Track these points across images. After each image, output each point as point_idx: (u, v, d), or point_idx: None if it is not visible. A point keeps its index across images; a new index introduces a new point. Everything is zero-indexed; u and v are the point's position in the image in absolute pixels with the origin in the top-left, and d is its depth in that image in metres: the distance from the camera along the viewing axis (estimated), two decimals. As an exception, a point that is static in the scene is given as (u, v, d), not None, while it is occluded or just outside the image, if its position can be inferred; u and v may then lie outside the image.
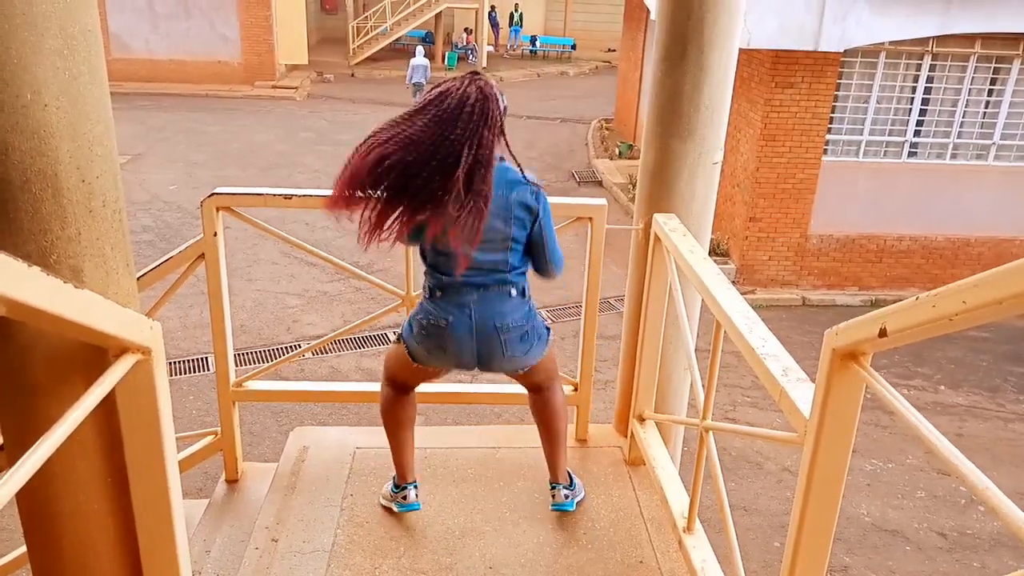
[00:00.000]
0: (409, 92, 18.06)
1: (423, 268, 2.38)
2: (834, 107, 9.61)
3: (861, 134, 9.82)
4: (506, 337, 2.33)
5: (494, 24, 27.91)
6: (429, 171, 2.05)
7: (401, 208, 2.11)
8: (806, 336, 8.75)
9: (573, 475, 2.79)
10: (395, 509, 2.69)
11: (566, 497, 2.68)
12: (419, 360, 2.43)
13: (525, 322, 2.37)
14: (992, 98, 9.79)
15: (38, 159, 1.39)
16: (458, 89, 2.10)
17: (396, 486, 2.69)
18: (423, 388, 3.25)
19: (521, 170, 2.27)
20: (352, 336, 8.04)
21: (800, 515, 1.62)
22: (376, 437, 3.17)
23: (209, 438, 3.15)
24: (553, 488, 2.69)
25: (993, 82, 9.72)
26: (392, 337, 8.15)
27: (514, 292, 2.33)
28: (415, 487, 2.68)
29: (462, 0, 24.83)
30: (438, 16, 24.93)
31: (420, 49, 18.53)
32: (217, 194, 2.81)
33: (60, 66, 1.39)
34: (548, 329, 2.51)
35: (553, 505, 2.70)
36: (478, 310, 2.30)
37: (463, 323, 2.30)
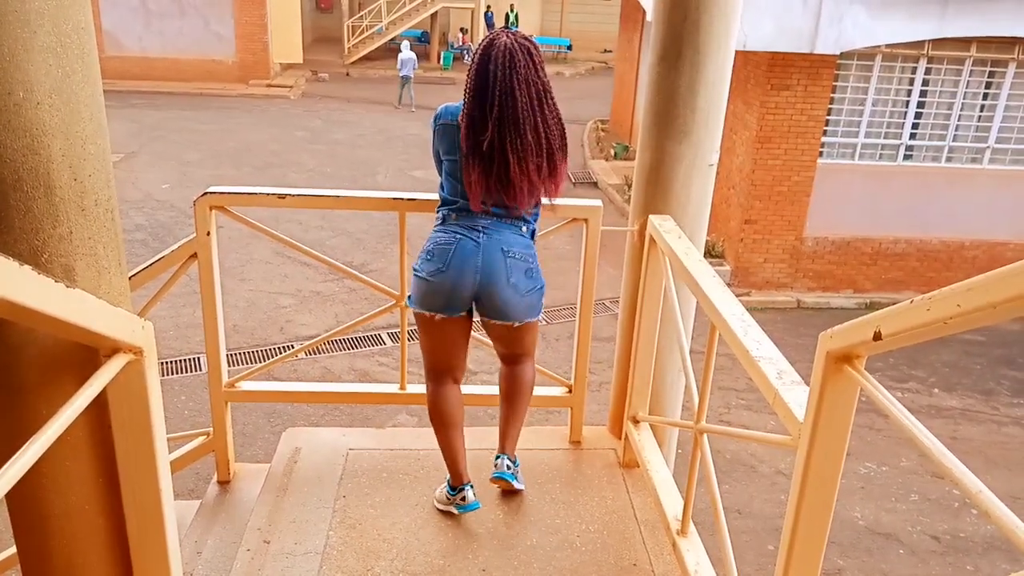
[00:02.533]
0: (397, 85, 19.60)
1: (442, 195, 2.48)
2: (830, 109, 9.64)
3: (857, 136, 9.85)
4: (511, 262, 2.39)
5: (490, 24, 27.88)
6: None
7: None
8: (801, 339, 8.76)
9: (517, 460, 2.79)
10: (455, 511, 2.67)
11: (508, 468, 2.66)
12: (420, 301, 2.45)
13: (531, 260, 2.44)
14: (987, 102, 9.83)
15: (30, 157, 1.38)
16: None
17: (452, 488, 2.65)
18: (417, 389, 3.26)
19: None
20: (345, 337, 8.03)
21: (794, 518, 1.62)
22: (369, 438, 3.17)
23: (201, 439, 3.14)
24: (498, 458, 2.68)
25: (988, 86, 9.76)
26: (386, 339, 8.18)
27: (525, 230, 2.45)
28: (471, 487, 2.62)
29: (458, 0, 24.82)
30: (434, 16, 24.94)
31: (406, 44, 20.10)
32: (210, 193, 2.80)
33: (53, 64, 1.38)
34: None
35: (495, 473, 2.66)
36: (487, 234, 2.38)
37: (471, 242, 2.37)
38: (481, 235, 2.38)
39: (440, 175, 2.53)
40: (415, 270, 2.47)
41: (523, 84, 2.25)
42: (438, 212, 2.49)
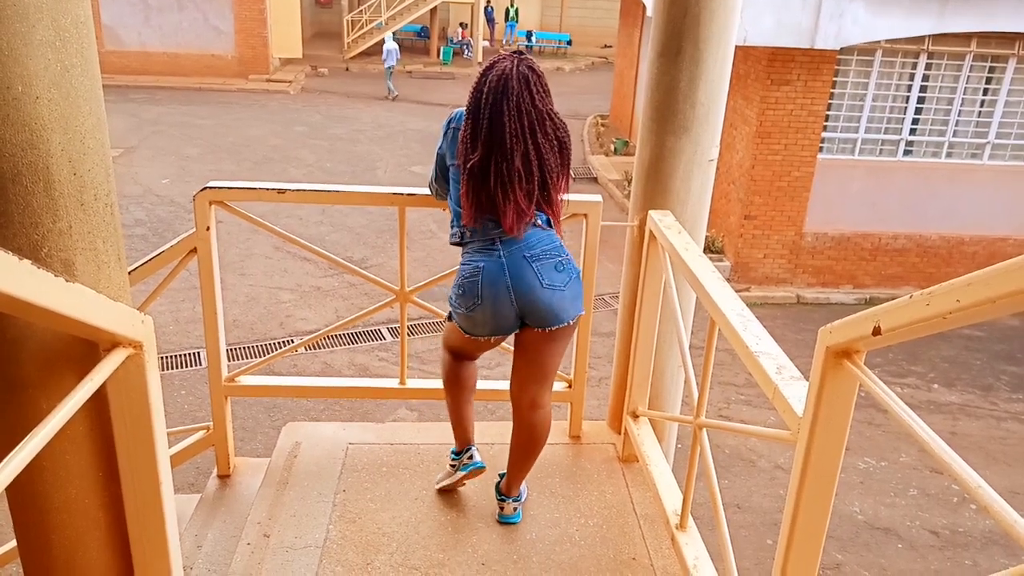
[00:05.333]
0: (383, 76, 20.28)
1: (455, 217, 2.46)
2: (830, 105, 9.63)
3: (857, 132, 9.84)
4: (539, 265, 2.34)
5: (490, 19, 27.88)
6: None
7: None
8: (800, 334, 8.77)
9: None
10: (461, 472, 2.69)
11: (514, 510, 2.69)
12: (467, 330, 2.46)
13: (557, 252, 2.38)
14: (987, 97, 9.82)
15: (29, 152, 1.38)
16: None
17: (456, 453, 2.72)
18: (416, 384, 3.27)
19: None
20: (345, 332, 8.03)
21: (793, 513, 1.63)
22: (369, 433, 3.18)
23: (201, 433, 3.14)
24: (504, 500, 2.68)
25: (988, 81, 9.75)
26: (386, 333, 8.20)
27: (539, 221, 2.39)
28: (475, 449, 2.70)
29: (458, -5, 24.79)
30: (433, 11, 24.88)
31: (389, 35, 21.05)
32: (210, 188, 2.80)
33: (52, 58, 1.38)
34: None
35: (503, 518, 2.68)
36: (506, 245, 2.34)
37: (494, 263, 2.34)
38: (501, 250, 2.34)
39: (441, 175, 2.54)
40: (452, 304, 2.46)
41: (513, 112, 2.24)
42: (453, 227, 2.47)
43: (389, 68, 19.90)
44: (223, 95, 19.04)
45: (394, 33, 24.39)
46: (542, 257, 2.35)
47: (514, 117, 2.24)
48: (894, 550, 5.72)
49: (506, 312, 2.37)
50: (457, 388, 2.68)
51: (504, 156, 2.26)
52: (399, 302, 3.07)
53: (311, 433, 3.16)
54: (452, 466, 2.76)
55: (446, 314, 2.55)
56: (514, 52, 2.35)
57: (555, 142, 2.32)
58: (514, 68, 2.26)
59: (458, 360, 2.66)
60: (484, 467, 2.70)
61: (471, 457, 2.69)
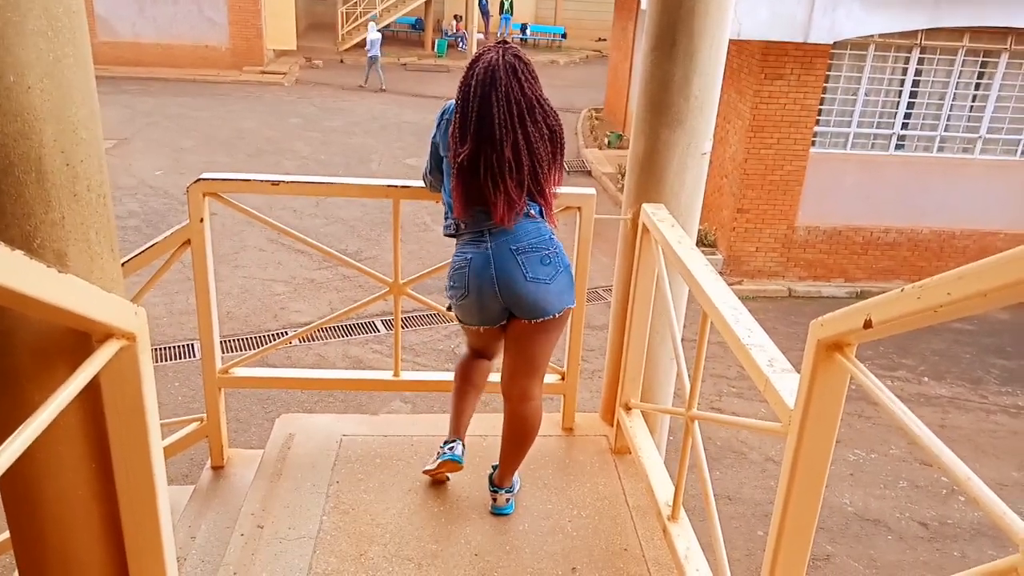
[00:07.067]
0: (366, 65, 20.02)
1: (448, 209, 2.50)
2: (823, 99, 9.64)
3: (849, 126, 9.85)
4: (524, 258, 2.36)
5: (484, 12, 27.74)
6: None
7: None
8: (792, 327, 8.80)
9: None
10: (439, 460, 2.70)
11: (507, 501, 2.70)
12: (461, 319, 2.54)
13: (544, 246, 2.38)
14: (979, 92, 9.84)
15: (21, 142, 1.38)
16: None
17: (444, 443, 2.75)
18: (410, 376, 3.27)
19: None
20: (339, 324, 8.02)
21: (783, 504, 1.64)
22: (362, 425, 3.18)
23: (195, 424, 3.14)
24: (497, 491, 2.69)
25: (980, 76, 9.77)
26: (380, 326, 8.19)
27: (532, 212, 2.39)
28: (462, 443, 2.71)
29: (452, -13, 24.69)
30: (428, 3, 24.78)
31: (373, 24, 20.39)
32: (204, 179, 2.79)
33: (44, 47, 1.37)
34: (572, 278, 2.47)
35: (496, 509, 2.69)
36: (494, 237, 2.36)
37: (481, 255, 2.37)
38: (490, 243, 2.36)
39: (435, 167, 2.54)
40: (446, 295, 2.53)
41: (503, 101, 2.23)
42: (446, 219, 2.48)
43: (372, 57, 19.55)
44: (217, 87, 18.94)
45: (385, 25, 24.34)
46: (528, 250, 2.36)
47: (503, 107, 2.24)
48: (883, 541, 5.76)
49: (491, 303, 2.41)
50: (460, 380, 2.75)
51: (494, 147, 2.26)
52: (393, 294, 3.07)
53: (305, 425, 3.16)
54: (439, 451, 2.76)
55: (446, 305, 2.61)
56: (499, 42, 2.35)
57: (545, 131, 2.32)
58: (500, 58, 2.26)
59: (472, 355, 2.74)
60: (460, 463, 2.68)
61: (452, 449, 2.70)
